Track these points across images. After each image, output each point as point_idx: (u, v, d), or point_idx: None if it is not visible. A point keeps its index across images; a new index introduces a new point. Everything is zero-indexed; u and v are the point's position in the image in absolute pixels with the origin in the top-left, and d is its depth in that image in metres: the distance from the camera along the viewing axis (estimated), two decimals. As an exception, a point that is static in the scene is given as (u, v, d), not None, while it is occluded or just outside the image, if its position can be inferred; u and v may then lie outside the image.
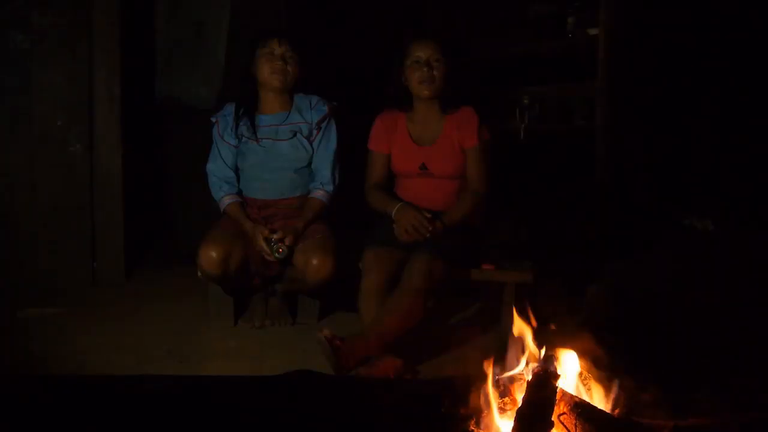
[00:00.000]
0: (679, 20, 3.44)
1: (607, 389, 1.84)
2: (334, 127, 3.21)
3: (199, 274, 3.05)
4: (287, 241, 2.98)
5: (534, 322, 1.88)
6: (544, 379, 1.71)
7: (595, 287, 3.09)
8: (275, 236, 2.98)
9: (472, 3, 4.30)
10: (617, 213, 3.50)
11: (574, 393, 1.80)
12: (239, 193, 3.19)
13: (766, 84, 3.27)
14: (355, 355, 2.49)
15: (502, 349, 1.88)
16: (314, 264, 2.92)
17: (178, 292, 3.58)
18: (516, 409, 1.69)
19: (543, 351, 1.82)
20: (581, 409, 1.73)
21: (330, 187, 3.16)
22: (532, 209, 3.54)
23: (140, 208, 3.96)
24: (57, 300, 3.45)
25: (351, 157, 3.22)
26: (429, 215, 2.81)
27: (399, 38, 3.07)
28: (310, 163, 3.19)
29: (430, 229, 2.80)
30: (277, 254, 2.97)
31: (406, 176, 3.06)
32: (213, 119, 3.25)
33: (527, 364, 1.82)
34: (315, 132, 3.18)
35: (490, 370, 1.82)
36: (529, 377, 1.75)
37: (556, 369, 1.77)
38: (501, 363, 1.86)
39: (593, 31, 3.64)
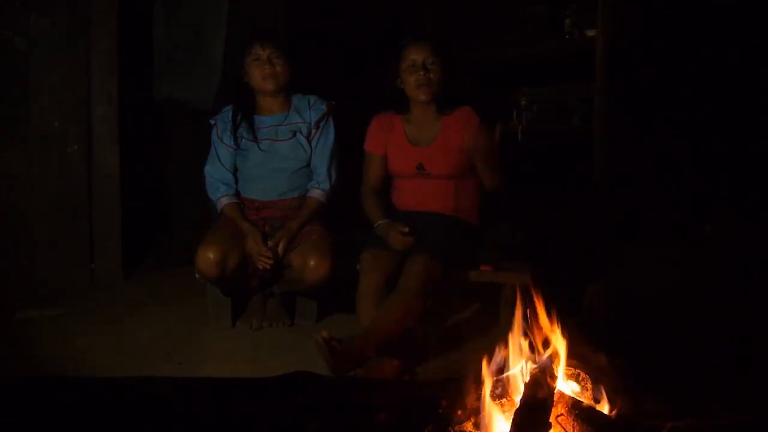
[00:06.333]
0: (677, 21, 3.44)
1: (605, 389, 1.84)
2: (332, 126, 3.22)
3: (197, 275, 3.05)
4: (279, 249, 2.99)
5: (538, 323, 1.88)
6: (542, 380, 1.71)
7: (593, 288, 3.10)
8: (270, 244, 2.99)
9: (470, 4, 4.30)
10: (615, 214, 3.50)
11: (571, 394, 1.80)
12: (236, 194, 3.19)
13: (766, 84, 3.27)
14: (353, 357, 2.49)
15: (500, 350, 1.88)
16: (311, 265, 2.92)
17: (176, 293, 3.58)
18: (514, 410, 1.69)
19: (541, 352, 1.82)
20: (579, 410, 1.73)
21: (326, 185, 3.17)
22: (530, 210, 3.55)
23: (139, 209, 3.96)
24: (55, 301, 3.45)
25: (349, 156, 3.22)
26: (406, 230, 2.79)
27: (396, 39, 3.07)
28: (309, 163, 3.19)
29: (410, 241, 2.79)
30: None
31: (403, 177, 3.06)
32: (212, 122, 3.25)
33: (525, 364, 1.82)
34: (314, 131, 3.18)
35: (487, 371, 1.82)
36: (527, 378, 1.75)
37: (553, 370, 1.77)
38: (499, 364, 1.86)
39: (591, 33, 3.64)
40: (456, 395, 1.86)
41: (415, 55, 2.94)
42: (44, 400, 2.07)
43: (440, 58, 2.95)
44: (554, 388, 1.72)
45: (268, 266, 2.99)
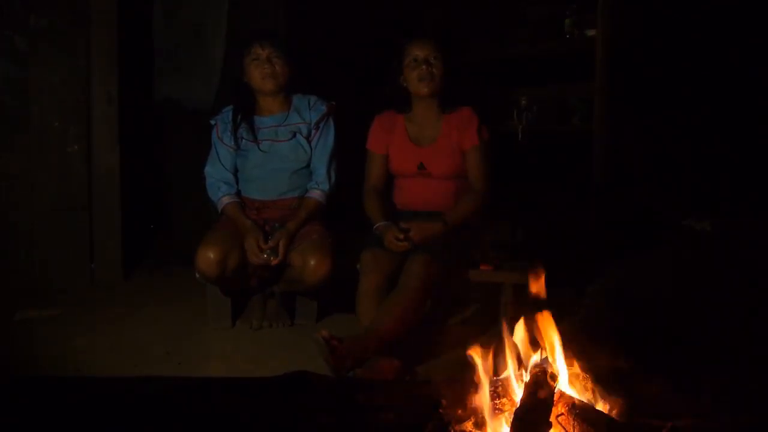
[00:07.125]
0: (677, 21, 3.44)
1: (605, 390, 1.84)
2: (332, 126, 3.22)
3: (197, 275, 3.05)
4: (281, 249, 2.99)
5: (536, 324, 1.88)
6: (542, 379, 1.71)
7: (594, 288, 3.10)
8: (269, 244, 2.99)
9: (470, 4, 4.30)
10: (615, 214, 3.51)
11: (571, 394, 1.80)
12: (237, 193, 3.19)
13: (766, 84, 3.27)
14: (353, 356, 2.49)
15: (500, 350, 1.88)
16: (312, 264, 2.92)
17: (176, 293, 3.58)
18: (514, 409, 1.69)
19: (541, 352, 1.82)
20: (579, 409, 1.73)
21: (325, 186, 3.17)
22: (530, 210, 3.54)
23: (139, 208, 3.97)
24: (55, 301, 3.45)
25: (350, 157, 3.22)
26: (402, 236, 2.80)
27: (397, 38, 3.07)
28: (309, 164, 3.20)
29: (406, 245, 2.80)
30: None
31: (404, 176, 3.06)
32: (212, 122, 3.25)
33: (525, 364, 1.82)
34: (314, 131, 3.18)
35: (488, 370, 1.82)
36: (527, 378, 1.75)
37: (554, 370, 1.77)
38: (499, 364, 1.86)
39: (591, 33, 3.64)
40: (456, 395, 1.86)
41: (419, 51, 2.95)
42: (44, 400, 2.07)
43: (443, 55, 2.96)
44: (554, 388, 1.72)
45: (262, 262, 2.99)
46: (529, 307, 1.90)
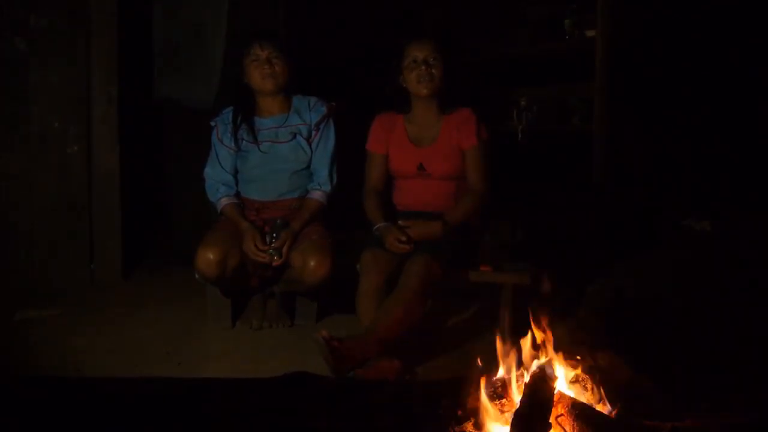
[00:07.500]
0: (677, 21, 3.44)
1: (605, 390, 1.84)
2: (332, 127, 3.21)
3: (197, 275, 3.04)
4: (285, 249, 2.99)
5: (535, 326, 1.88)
6: (542, 380, 1.71)
7: (594, 288, 3.10)
8: (273, 245, 2.98)
9: (470, 4, 4.31)
10: (615, 214, 3.51)
11: (571, 394, 1.80)
12: (237, 194, 3.19)
13: (766, 84, 3.27)
14: (353, 357, 2.49)
15: (500, 351, 1.88)
16: (312, 265, 2.92)
17: (176, 293, 3.58)
18: (514, 410, 1.69)
19: (540, 353, 1.83)
20: (578, 410, 1.73)
21: (327, 187, 3.17)
22: (530, 211, 3.55)
23: (139, 209, 3.96)
24: (55, 301, 3.44)
25: (350, 157, 3.22)
26: (404, 238, 2.81)
27: (397, 38, 3.07)
28: (309, 165, 3.19)
29: (408, 248, 2.81)
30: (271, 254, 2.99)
31: (403, 177, 3.06)
32: (212, 123, 3.25)
33: (525, 365, 1.82)
34: (314, 133, 3.18)
35: (488, 371, 1.82)
36: (527, 379, 1.75)
37: (553, 371, 1.77)
38: (499, 364, 1.86)
39: (591, 33, 3.65)
40: (456, 396, 1.86)
41: (418, 52, 2.95)
42: (44, 400, 2.07)
43: (442, 55, 2.96)
44: (554, 389, 1.72)
45: (265, 260, 2.98)
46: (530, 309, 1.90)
